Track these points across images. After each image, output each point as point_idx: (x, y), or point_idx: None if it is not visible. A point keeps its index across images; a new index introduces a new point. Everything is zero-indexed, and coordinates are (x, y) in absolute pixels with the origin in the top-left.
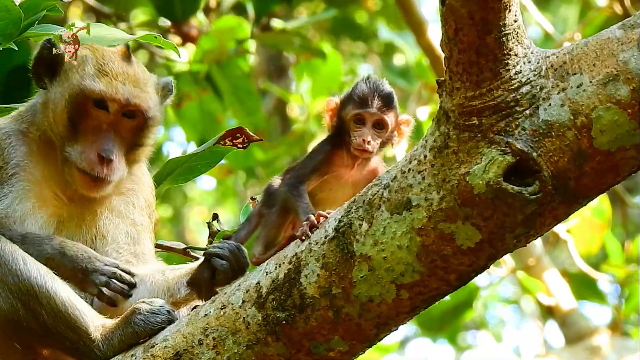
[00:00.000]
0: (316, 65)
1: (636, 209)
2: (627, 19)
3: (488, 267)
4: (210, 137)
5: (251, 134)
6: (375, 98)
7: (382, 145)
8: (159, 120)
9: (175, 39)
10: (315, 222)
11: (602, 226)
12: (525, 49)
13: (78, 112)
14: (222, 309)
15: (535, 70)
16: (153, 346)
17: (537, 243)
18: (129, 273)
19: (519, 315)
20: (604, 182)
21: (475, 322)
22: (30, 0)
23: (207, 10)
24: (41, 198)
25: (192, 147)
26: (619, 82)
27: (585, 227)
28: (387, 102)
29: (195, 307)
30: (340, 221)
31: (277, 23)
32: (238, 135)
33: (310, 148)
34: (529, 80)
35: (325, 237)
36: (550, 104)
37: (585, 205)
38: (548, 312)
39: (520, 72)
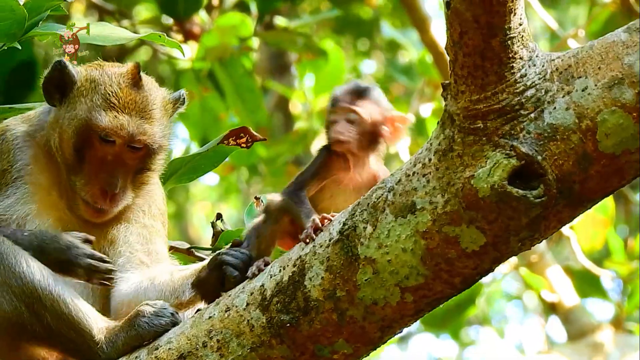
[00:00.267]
0: (319, 63)
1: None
2: (632, 23)
3: (493, 270)
4: (213, 135)
5: (255, 133)
6: (345, 94)
7: (372, 140)
8: (167, 146)
9: (178, 37)
10: (320, 224)
11: (605, 223)
12: (530, 52)
13: (83, 144)
14: (226, 311)
15: (540, 74)
16: (157, 348)
17: None
18: (103, 260)
19: (522, 311)
20: (608, 185)
21: (478, 318)
22: (34, 1)
23: (209, 8)
24: (45, 203)
25: (195, 145)
26: (624, 85)
27: (588, 223)
28: (358, 95)
29: (198, 310)
30: (344, 224)
31: (280, 21)
32: (241, 134)
33: (313, 146)
34: (534, 84)
35: (330, 240)
36: (555, 108)
37: (590, 208)
38: (551, 309)
39: (525, 76)
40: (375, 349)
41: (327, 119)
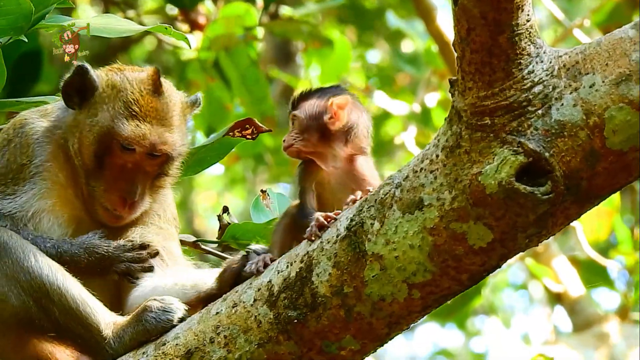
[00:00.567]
0: (325, 52)
1: None
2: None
3: (500, 267)
4: (218, 125)
5: (260, 124)
6: (289, 105)
7: (320, 132)
8: (185, 152)
9: (183, 27)
10: (324, 222)
11: (610, 213)
12: (537, 48)
13: (104, 151)
14: (233, 307)
15: (547, 70)
16: (164, 344)
17: None
18: (144, 247)
19: (528, 301)
20: (616, 182)
21: (484, 308)
22: None
23: None
24: (62, 200)
25: (200, 135)
26: (631, 82)
27: (594, 214)
28: (299, 100)
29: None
30: (352, 220)
31: (285, 10)
32: (247, 126)
33: None
34: (541, 80)
35: (337, 236)
36: (562, 104)
37: (597, 204)
38: (556, 299)
39: (532, 72)
40: (382, 345)
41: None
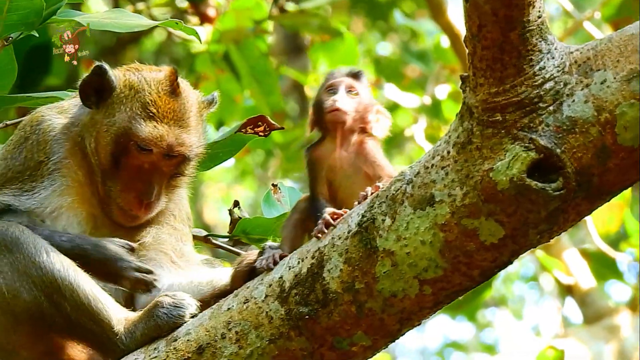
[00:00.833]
0: (332, 46)
1: None
2: None
3: (511, 263)
4: (228, 117)
5: (272, 122)
6: (343, 73)
7: (360, 122)
8: (202, 152)
9: (193, 19)
10: (331, 220)
11: (621, 206)
12: (548, 44)
13: (121, 151)
14: (245, 303)
15: (559, 66)
16: (176, 339)
17: None
18: (149, 272)
19: (539, 293)
20: (627, 178)
21: (494, 300)
22: None
23: None
24: (80, 197)
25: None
26: None
27: (605, 206)
28: (355, 76)
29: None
30: (363, 216)
31: (294, 3)
32: (259, 123)
33: None
34: (552, 77)
35: (348, 232)
36: (574, 100)
37: (609, 200)
38: (567, 291)
39: (544, 68)
40: (393, 341)
41: (322, 94)
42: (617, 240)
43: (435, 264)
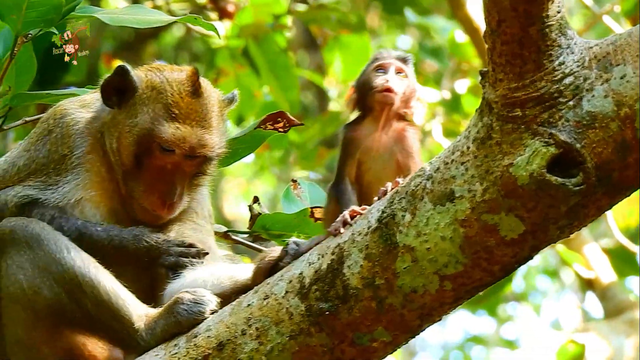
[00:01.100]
0: (346, 43)
1: None
2: None
3: (532, 258)
4: (247, 113)
5: (292, 118)
6: (393, 56)
7: (404, 106)
8: (224, 152)
9: (212, 15)
10: (349, 219)
11: None
12: (568, 39)
13: (143, 152)
14: (265, 299)
15: (578, 61)
16: (196, 336)
17: None
18: (193, 245)
19: (559, 287)
20: None
21: (514, 294)
22: None
23: None
24: (104, 191)
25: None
26: None
27: (625, 200)
28: (404, 58)
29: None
30: (383, 212)
31: None
32: (279, 119)
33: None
34: (572, 72)
35: (369, 228)
36: (593, 95)
37: (629, 195)
38: (588, 285)
39: (563, 64)
40: (414, 337)
41: (370, 73)
42: (638, 234)
43: (456, 260)
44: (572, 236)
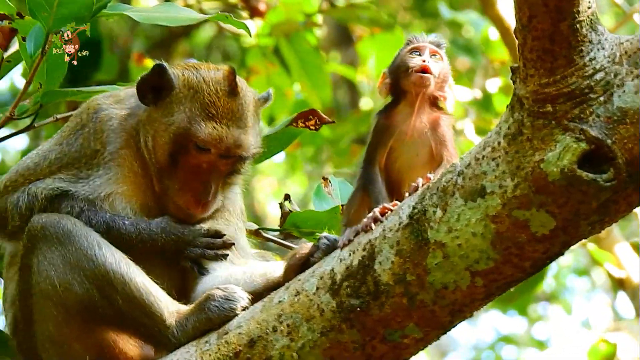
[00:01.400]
0: (381, 39)
1: None
2: None
3: (562, 254)
4: (279, 111)
5: (323, 115)
6: (428, 40)
7: (439, 89)
8: (258, 151)
9: (244, 14)
10: (379, 216)
11: None
12: (599, 35)
13: (179, 151)
14: (296, 295)
15: (609, 57)
16: (227, 333)
17: None
18: (219, 234)
19: (590, 286)
20: None
21: (545, 294)
22: None
23: None
24: (136, 186)
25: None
26: None
27: None
28: (438, 43)
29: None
30: (414, 208)
31: None
32: (310, 117)
33: None
34: (603, 67)
35: (400, 224)
36: (624, 91)
37: None
38: (619, 285)
39: (594, 59)
40: (445, 333)
41: (405, 56)
42: None
43: (487, 256)
44: (603, 235)
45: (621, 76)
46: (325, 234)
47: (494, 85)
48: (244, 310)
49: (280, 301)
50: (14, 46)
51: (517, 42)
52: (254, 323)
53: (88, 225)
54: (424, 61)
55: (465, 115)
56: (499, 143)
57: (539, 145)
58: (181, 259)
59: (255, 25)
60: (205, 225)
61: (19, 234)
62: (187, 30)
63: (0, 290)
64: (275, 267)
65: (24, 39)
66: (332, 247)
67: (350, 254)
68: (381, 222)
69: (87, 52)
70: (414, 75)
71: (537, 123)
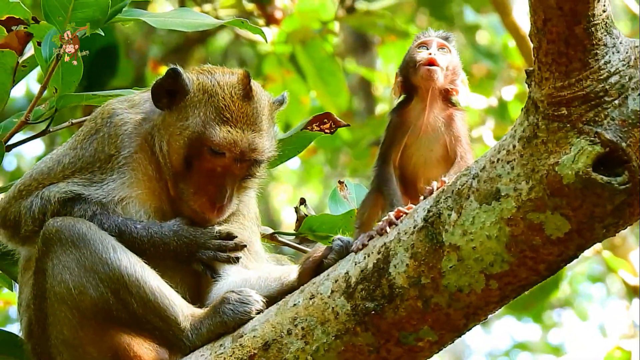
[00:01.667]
0: (402, 45)
1: None
2: None
3: (577, 257)
4: (295, 118)
5: (338, 119)
6: (436, 34)
7: (450, 82)
8: (273, 155)
9: (260, 21)
10: (394, 219)
11: None
12: (614, 38)
13: (194, 155)
14: (310, 298)
15: (624, 60)
16: (242, 336)
17: None
18: (231, 237)
19: (606, 294)
20: None
21: (560, 301)
22: None
23: None
24: (150, 190)
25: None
26: None
27: None
28: (446, 37)
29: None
30: (429, 211)
31: (361, 4)
32: (325, 120)
33: None
34: (617, 70)
35: (414, 227)
36: (639, 94)
37: None
38: (634, 292)
39: (609, 62)
40: (460, 336)
41: (413, 51)
42: None
43: (502, 259)
44: (618, 243)
45: (636, 79)
46: (339, 235)
47: (509, 92)
48: (258, 313)
49: (295, 304)
50: (30, 51)
51: (532, 45)
52: (269, 326)
53: (101, 229)
54: (430, 54)
55: (482, 122)
56: (514, 146)
57: (554, 148)
58: (193, 262)
59: (271, 32)
60: (217, 228)
61: (33, 238)
62: (203, 37)
63: (15, 294)
64: (290, 271)
65: (39, 44)
66: (345, 248)
67: (365, 257)
68: (396, 225)
69: (87, 52)
70: (422, 69)
71: (552, 126)
